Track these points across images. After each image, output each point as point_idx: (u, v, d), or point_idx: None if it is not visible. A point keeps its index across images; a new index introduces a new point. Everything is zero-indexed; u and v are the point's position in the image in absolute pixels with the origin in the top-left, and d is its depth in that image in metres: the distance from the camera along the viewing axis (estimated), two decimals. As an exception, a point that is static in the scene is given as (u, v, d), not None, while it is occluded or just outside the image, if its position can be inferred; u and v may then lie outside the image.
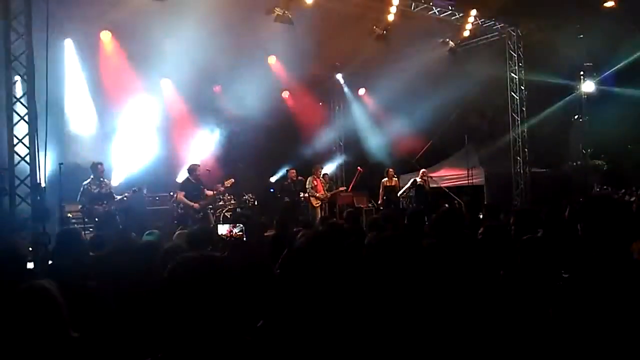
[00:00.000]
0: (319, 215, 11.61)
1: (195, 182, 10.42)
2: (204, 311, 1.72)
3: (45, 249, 7.04)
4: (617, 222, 2.70)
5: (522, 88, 13.92)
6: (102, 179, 9.57)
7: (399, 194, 13.04)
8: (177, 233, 5.78)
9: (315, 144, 15.75)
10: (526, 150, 13.88)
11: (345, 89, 16.68)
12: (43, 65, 7.09)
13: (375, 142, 16.20)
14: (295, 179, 12.61)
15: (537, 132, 14.48)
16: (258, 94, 12.73)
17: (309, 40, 11.52)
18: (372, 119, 16.40)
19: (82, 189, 9.31)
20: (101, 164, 9.66)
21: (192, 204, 10.14)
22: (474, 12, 12.80)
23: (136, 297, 3.33)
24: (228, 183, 11.25)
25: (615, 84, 14.78)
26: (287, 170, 13.09)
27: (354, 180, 14.10)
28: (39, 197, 7.17)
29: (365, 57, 13.44)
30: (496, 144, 14.57)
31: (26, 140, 7.47)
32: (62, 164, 8.49)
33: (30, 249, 7.22)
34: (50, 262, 4.77)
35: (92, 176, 9.44)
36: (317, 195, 12.37)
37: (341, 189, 13.83)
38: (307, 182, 12.44)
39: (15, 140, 7.45)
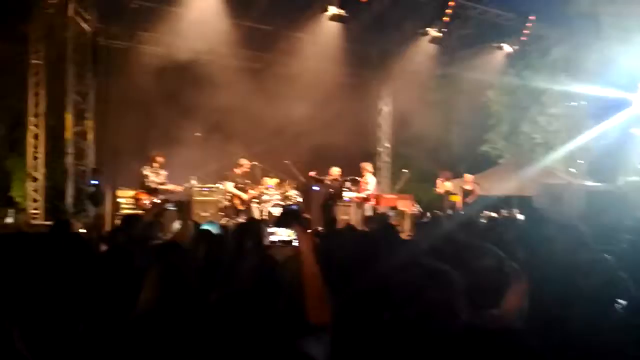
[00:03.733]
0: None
1: (242, 175, 10.63)
2: None
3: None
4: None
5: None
6: (159, 170, 9.76)
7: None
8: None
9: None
10: (581, 162, 13.44)
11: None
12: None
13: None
14: (339, 178, 12.36)
15: (593, 144, 14.03)
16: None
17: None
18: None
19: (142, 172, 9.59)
20: (159, 155, 9.83)
21: (240, 193, 10.36)
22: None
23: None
24: (276, 186, 11.39)
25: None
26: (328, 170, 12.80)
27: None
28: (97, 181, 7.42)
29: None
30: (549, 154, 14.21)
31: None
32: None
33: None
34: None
35: (151, 165, 9.68)
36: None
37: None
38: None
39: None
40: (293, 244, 2.27)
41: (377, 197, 12.45)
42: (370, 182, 11.84)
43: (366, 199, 11.71)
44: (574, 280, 2.20)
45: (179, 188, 9.93)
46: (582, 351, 2.04)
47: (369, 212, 11.74)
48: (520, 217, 7.03)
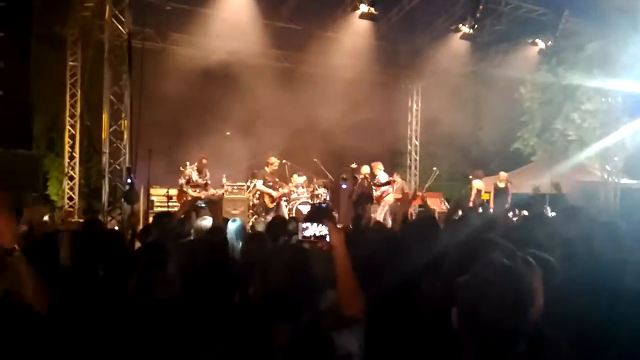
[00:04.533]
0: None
1: (271, 173, 10.73)
2: None
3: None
4: None
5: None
6: (204, 171, 10.00)
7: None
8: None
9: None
10: (616, 159, 13.11)
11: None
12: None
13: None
14: (368, 177, 12.37)
15: (629, 141, 13.69)
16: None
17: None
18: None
19: (185, 170, 9.85)
20: (204, 157, 10.04)
21: (269, 191, 10.44)
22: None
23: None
24: (305, 184, 11.48)
25: None
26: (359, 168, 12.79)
27: None
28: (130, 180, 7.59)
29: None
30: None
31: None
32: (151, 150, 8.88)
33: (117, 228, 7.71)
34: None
35: (196, 164, 9.94)
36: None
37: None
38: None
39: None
40: (326, 239, 2.31)
41: (403, 195, 12.51)
42: (381, 180, 12.03)
43: (381, 197, 11.96)
44: (617, 282, 2.15)
45: (218, 192, 10.15)
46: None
47: (385, 209, 11.86)
48: (552, 214, 6.89)
